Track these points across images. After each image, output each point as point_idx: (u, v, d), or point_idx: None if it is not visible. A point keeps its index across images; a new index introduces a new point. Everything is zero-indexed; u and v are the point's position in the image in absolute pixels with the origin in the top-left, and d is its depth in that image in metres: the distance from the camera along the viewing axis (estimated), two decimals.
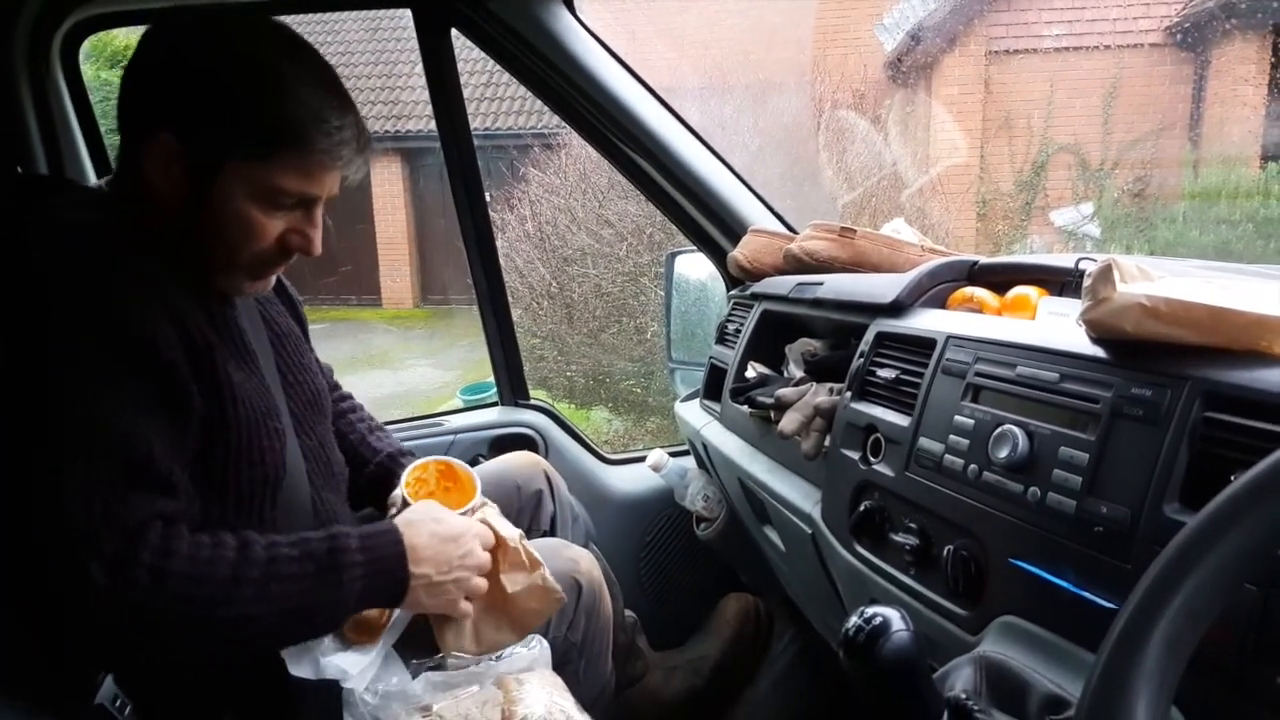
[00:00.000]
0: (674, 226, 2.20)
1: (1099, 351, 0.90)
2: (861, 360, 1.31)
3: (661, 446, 2.19)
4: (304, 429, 1.31)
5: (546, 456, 2.13)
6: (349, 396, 1.62)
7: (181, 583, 0.97)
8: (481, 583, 1.24)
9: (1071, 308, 1.08)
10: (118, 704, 1.09)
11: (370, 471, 1.48)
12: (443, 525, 1.22)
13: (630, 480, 2.29)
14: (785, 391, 1.46)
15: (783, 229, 2.00)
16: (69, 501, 0.95)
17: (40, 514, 0.96)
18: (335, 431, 1.48)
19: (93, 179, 1.90)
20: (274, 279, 1.23)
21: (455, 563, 1.20)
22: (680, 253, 2.31)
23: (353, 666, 1.14)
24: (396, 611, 1.23)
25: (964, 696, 0.80)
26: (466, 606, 1.23)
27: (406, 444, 1.59)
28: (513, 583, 1.28)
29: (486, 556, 1.25)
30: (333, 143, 1.10)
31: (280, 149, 1.08)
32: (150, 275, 1.08)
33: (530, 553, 1.30)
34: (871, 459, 1.21)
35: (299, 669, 1.12)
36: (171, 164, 1.07)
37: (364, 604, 1.14)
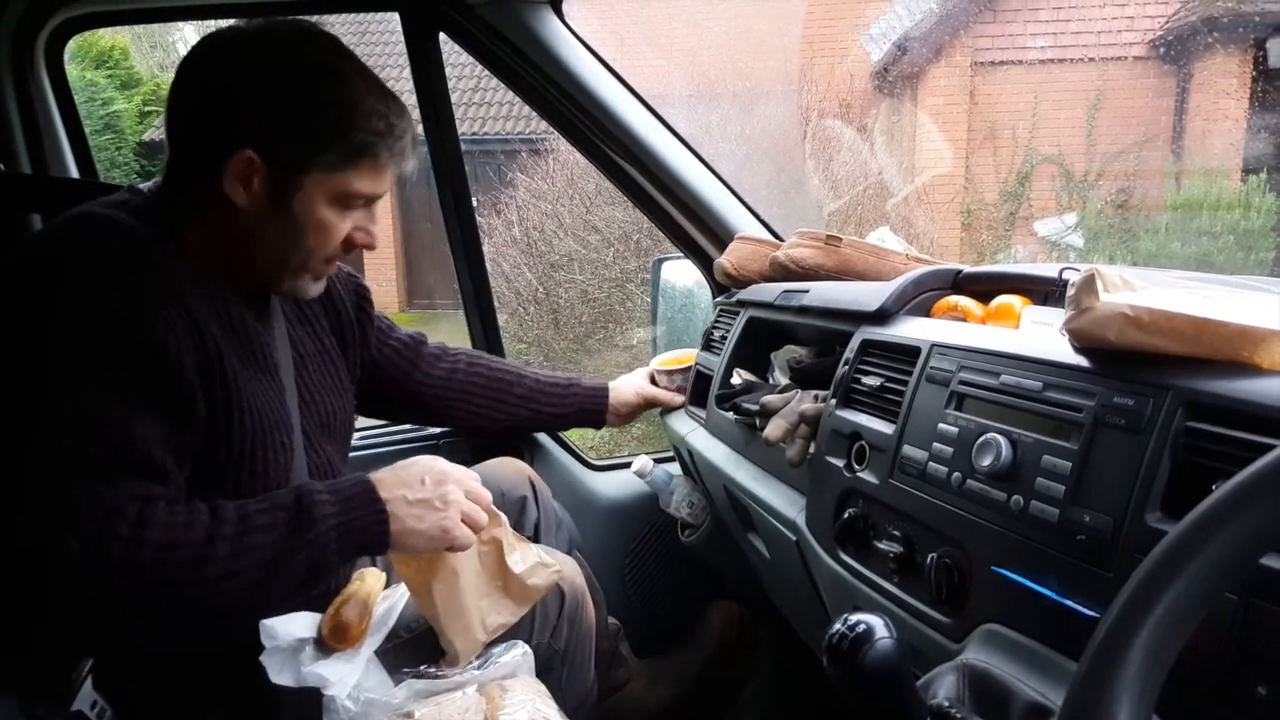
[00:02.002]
0: (661, 233, 2.20)
1: (1082, 361, 0.90)
2: (846, 368, 1.31)
3: (647, 453, 2.18)
4: (314, 447, 1.32)
5: (531, 462, 2.12)
6: (461, 354, 1.75)
7: (156, 550, 0.97)
8: (472, 507, 1.20)
9: (1055, 317, 1.08)
10: (96, 709, 1.08)
11: (571, 405, 1.76)
12: (405, 463, 1.20)
13: (615, 486, 2.28)
14: (770, 398, 1.46)
15: (769, 236, 2.00)
16: (55, 482, 0.95)
17: (26, 497, 0.96)
18: (475, 403, 1.69)
19: (75, 177, 1.89)
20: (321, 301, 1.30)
21: (429, 480, 1.17)
22: (667, 259, 2.31)
23: (333, 674, 1.13)
24: (378, 613, 1.22)
25: (947, 704, 0.80)
26: (466, 532, 1.18)
27: (391, 449, 1.60)
28: (517, 562, 1.29)
29: (465, 473, 1.23)
30: (401, 146, 1.18)
31: (359, 158, 1.14)
32: (172, 279, 1.08)
33: (519, 535, 1.32)
34: (856, 466, 1.22)
35: (279, 677, 1.11)
36: (252, 178, 1.10)
37: (349, 543, 1.10)
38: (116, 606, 0.97)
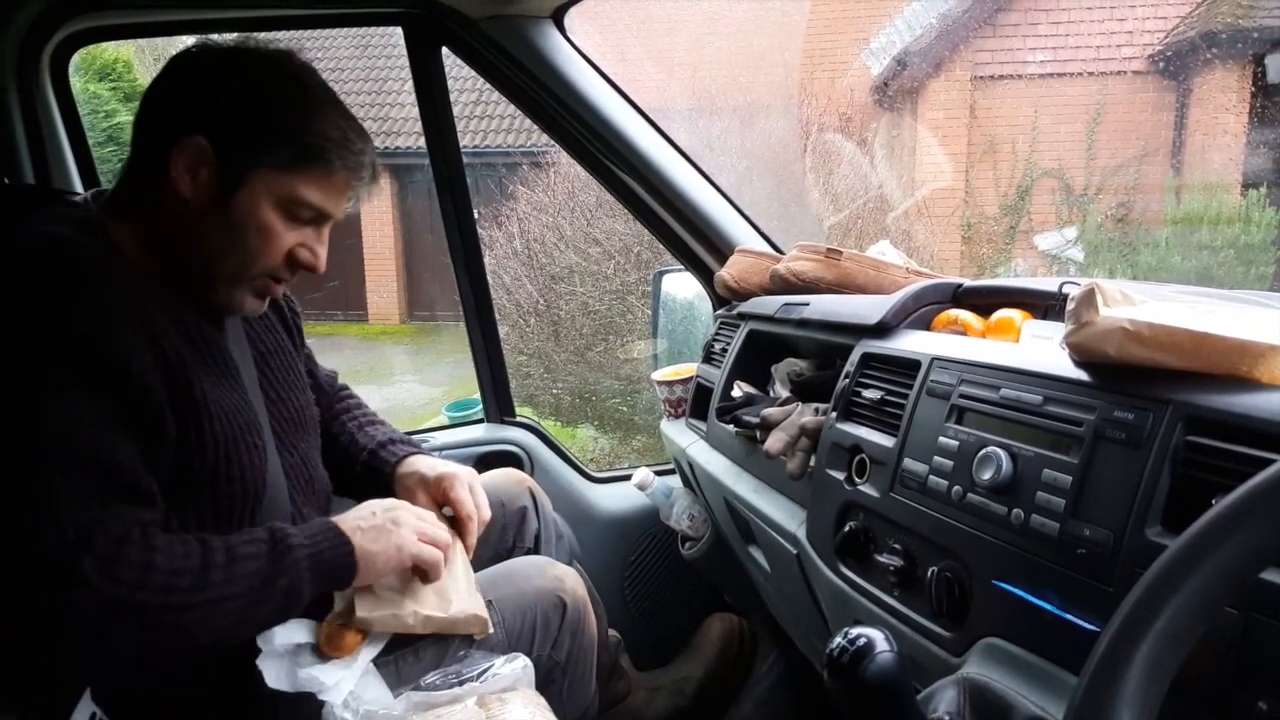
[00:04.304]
0: (662, 245, 2.21)
1: (1082, 375, 0.90)
2: (847, 381, 1.32)
3: (647, 465, 2.18)
4: (286, 446, 1.32)
5: (532, 474, 2.12)
6: (349, 396, 1.63)
7: (165, 575, 1.00)
8: (427, 526, 1.25)
9: (1055, 331, 1.08)
10: None
11: (359, 469, 1.49)
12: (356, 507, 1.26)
13: (616, 499, 2.28)
14: (771, 411, 1.46)
15: (769, 249, 2.01)
16: (59, 511, 0.96)
17: (27, 527, 0.95)
18: (329, 432, 1.51)
19: (80, 190, 1.90)
20: (269, 302, 1.25)
21: (379, 510, 1.23)
22: (668, 271, 2.32)
23: (329, 678, 1.13)
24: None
25: (947, 718, 0.80)
26: (423, 548, 1.22)
27: None
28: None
29: (409, 504, 1.28)
30: (356, 163, 1.18)
31: (310, 162, 1.14)
32: (128, 295, 1.08)
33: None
34: (856, 479, 1.22)
35: (276, 682, 1.11)
36: (200, 167, 1.11)
37: (319, 572, 1.14)
38: (129, 631, 0.98)
